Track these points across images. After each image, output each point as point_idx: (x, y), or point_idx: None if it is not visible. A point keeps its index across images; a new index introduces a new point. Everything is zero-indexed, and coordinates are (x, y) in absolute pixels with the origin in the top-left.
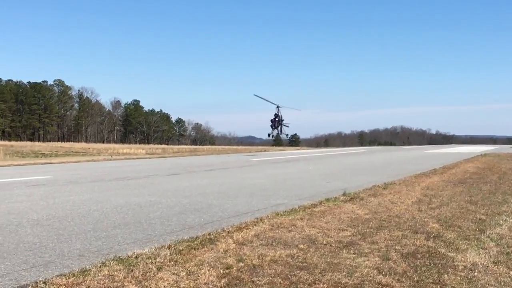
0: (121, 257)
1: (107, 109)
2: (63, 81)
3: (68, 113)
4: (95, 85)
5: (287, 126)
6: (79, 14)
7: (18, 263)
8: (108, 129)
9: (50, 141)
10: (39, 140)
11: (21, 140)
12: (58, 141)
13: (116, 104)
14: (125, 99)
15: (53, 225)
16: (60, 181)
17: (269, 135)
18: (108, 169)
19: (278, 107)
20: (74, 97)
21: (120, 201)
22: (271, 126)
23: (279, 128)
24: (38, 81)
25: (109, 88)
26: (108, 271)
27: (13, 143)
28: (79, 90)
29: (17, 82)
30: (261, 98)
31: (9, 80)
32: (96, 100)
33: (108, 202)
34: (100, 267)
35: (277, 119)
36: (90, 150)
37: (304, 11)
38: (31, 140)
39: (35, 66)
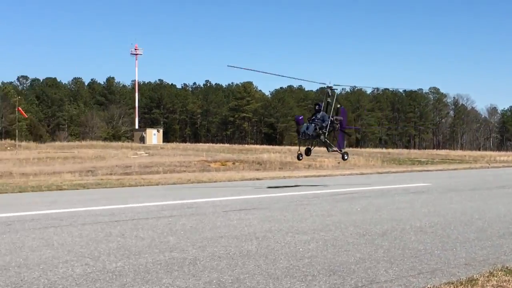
0: (508, 268)
1: (482, 116)
2: (438, 89)
3: (443, 120)
4: (471, 92)
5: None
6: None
7: (405, 269)
8: (484, 136)
9: (425, 148)
10: (414, 148)
11: (397, 147)
12: (433, 148)
13: (492, 110)
14: (501, 105)
15: (436, 233)
16: (439, 189)
17: (299, 157)
18: (486, 177)
19: (328, 88)
20: (449, 105)
21: (502, 209)
22: (297, 131)
23: (323, 136)
24: (414, 89)
25: (484, 95)
26: (496, 282)
27: (389, 150)
28: (454, 97)
29: (393, 91)
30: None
31: (385, 89)
32: (472, 107)
33: (490, 210)
34: (487, 276)
35: (317, 118)
36: (466, 157)
37: None
38: (406, 147)
39: (411, 75)
